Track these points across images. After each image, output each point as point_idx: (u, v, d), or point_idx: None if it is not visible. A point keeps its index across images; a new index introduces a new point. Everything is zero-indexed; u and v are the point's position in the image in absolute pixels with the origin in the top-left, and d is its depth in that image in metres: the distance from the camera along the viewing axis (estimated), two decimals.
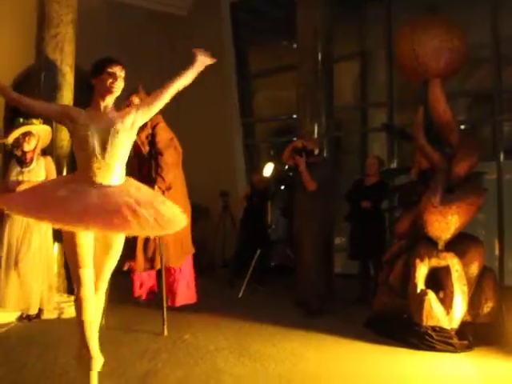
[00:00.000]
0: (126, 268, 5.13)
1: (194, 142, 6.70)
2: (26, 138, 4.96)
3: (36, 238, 4.85)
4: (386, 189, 6.28)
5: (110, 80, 3.04)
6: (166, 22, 9.29)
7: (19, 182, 4.92)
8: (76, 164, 3.15)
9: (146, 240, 4.98)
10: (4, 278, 4.83)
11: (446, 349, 4.18)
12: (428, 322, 4.33)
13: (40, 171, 5.03)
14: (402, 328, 4.46)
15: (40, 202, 2.85)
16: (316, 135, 6.40)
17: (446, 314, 4.33)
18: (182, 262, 5.24)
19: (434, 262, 4.50)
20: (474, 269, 4.53)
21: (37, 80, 6.00)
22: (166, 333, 4.50)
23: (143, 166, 4.99)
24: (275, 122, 10.17)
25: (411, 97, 7.48)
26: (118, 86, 3.08)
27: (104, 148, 2.99)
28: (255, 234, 7.24)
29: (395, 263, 4.89)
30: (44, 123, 5.10)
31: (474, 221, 4.87)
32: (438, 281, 4.51)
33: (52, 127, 5.34)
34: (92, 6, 7.54)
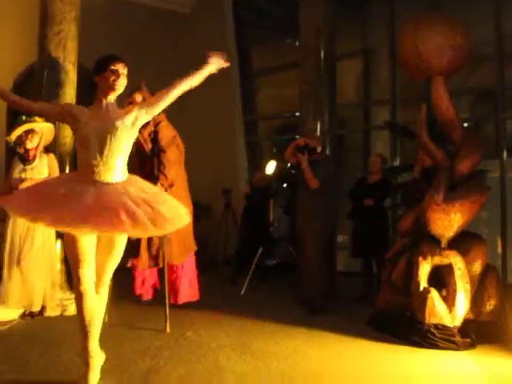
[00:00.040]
0: (129, 265, 5.14)
1: (196, 140, 6.69)
2: (29, 136, 4.97)
3: (39, 236, 4.86)
4: (389, 187, 6.27)
5: (113, 77, 3.05)
6: (168, 19, 9.28)
7: (22, 180, 4.93)
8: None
9: (150, 237, 4.98)
10: (7, 276, 4.84)
11: (448, 347, 4.17)
12: (431, 319, 4.32)
13: (43, 169, 5.04)
14: (404, 326, 4.45)
15: (41, 201, 2.86)
16: (319, 133, 6.39)
17: (449, 311, 4.33)
18: (184, 260, 5.25)
19: (437, 259, 4.50)
20: (477, 267, 4.52)
21: (39, 77, 6.00)
22: (168, 330, 4.50)
23: (145, 163, 5.00)
24: (278, 120, 10.16)
25: (414, 94, 7.47)
26: (121, 84, 3.08)
27: (104, 146, 2.99)
28: (256, 232, 7.24)
29: (398, 261, 4.89)
30: (46, 121, 5.11)
31: (476, 219, 4.86)
32: (441, 279, 4.50)
33: (55, 125, 5.35)
34: (95, 3, 7.55)
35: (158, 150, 4.92)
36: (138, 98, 4.86)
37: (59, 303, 5.09)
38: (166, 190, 4.86)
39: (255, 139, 9.87)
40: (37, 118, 5.00)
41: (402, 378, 3.54)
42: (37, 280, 4.85)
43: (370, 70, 8.81)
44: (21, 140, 4.99)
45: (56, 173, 5.09)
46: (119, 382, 3.20)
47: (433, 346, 4.20)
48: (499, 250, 6.94)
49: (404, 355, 4.04)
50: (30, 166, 5.00)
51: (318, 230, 5.53)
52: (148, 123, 4.67)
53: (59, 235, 5.02)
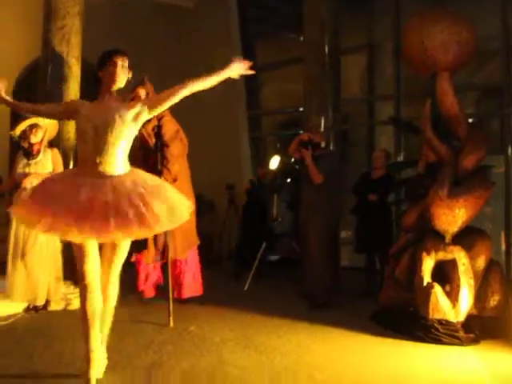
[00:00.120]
0: (133, 260, 5.14)
1: (200, 135, 6.69)
2: (33, 130, 4.98)
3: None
4: (393, 182, 6.26)
5: (112, 70, 3.06)
6: (172, 14, 9.26)
7: (26, 174, 4.94)
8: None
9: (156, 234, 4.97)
10: (11, 270, 4.86)
11: (452, 342, 4.17)
12: (434, 315, 4.32)
13: (47, 163, 5.05)
14: (407, 321, 4.45)
15: (44, 206, 2.89)
16: (323, 128, 6.37)
17: (453, 307, 4.32)
18: (187, 254, 5.25)
19: (441, 255, 4.49)
20: (481, 262, 4.51)
21: (43, 72, 6.01)
22: (171, 324, 4.51)
23: (149, 157, 5.00)
24: (282, 115, 10.15)
25: (419, 90, 7.44)
26: (120, 76, 3.08)
27: (104, 139, 2.99)
28: (256, 228, 7.27)
29: (402, 256, 4.88)
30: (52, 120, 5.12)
31: (481, 214, 4.85)
32: (445, 274, 4.49)
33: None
34: None
35: (161, 145, 4.92)
36: (142, 92, 4.85)
37: (63, 297, 5.11)
38: None
39: (259, 134, 9.87)
40: None
41: (405, 372, 3.54)
42: (41, 274, 4.87)
43: (375, 64, 8.78)
44: (25, 134, 4.99)
45: (60, 167, 5.11)
46: (122, 376, 3.20)
47: (436, 341, 4.19)
48: (503, 245, 6.92)
49: (407, 350, 4.04)
50: (34, 161, 5.01)
51: (321, 226, 5.52)
52: (151, 118, 4.67)
53: None
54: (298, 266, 6.35)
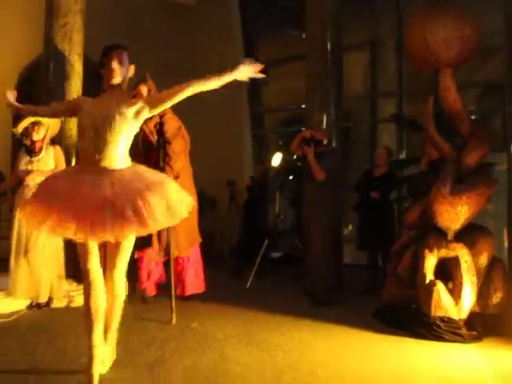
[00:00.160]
0: (135, 257, 5.14)
1: (202, 132, 6.69)
2: (35, 128, 4.98)
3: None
4: (395, 179, 6.25)
5: (111, 65, 3.08)
6: (174, 11, 9.25)
7: (28, 172, 4.96)
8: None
9: (159, 230, 4.96)
10: (14, 267, 4.88)
11: (454, 339, 4.16)
12: (436, 312, 4.31)
13: (49, 160, 5.06)
14: (410, 318, 4.44)
15: (47, 207, 2.89)
16: (325, 125, 6.36)
17: (455, 304, 4.32)
18: (189, 252, 5.25)
19: (443, 252, 4.48)
20: (484, 259, 4.51)
21: (45, 70, 6.01)
22: (174, 321, 4.51)
23: (151, 155, 4.99)
24: (284, 112, 10.14)
25: (421, 87, 7.43)
26: (119, 70, 3.07)
27: (104, 134, 2.99)
28: (257, 225, 7.28)
29: (404, 254, 4.88)
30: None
31: (483, 211, 4.84)
32: (447, 271, 4.49)
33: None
34: None
35: (163, 142, 4.92)
36: (143, 89, 4.85)
37: (66, 294, 5.12)
38: None
39: (261, 132, 9.86)
40: None
41: (407, 369, 3.53)
42: (43, 271, 4.88)
43: (377, 61, 8.77)
44: (27, 132, 5.00)
45: (62, 164, 5.11)
46: (125, 373, 3.21)
47: (438, 338, 4.19)
48: (506, 242, 6.91)
49: (409, 347, 4.04)
50: (36, 158, 5.02)
51: (324, 223, 5.52)
52: (153, 115, 4.67)
53: None
54: (300, 263, 6.36)
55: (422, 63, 5.00)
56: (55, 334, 4.11)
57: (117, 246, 3.08)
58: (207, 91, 3.09)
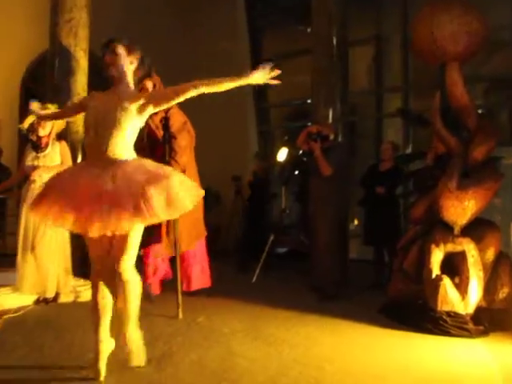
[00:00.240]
0: (141, 253, 5.14)
1: (207, 128, 6.68)
2: (41, 123, 4.99)
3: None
4: (401, 174, 6.23)
5: (108, 59, 3.10)
6: (179, 6, 9.24)
7: (35, 167, 4.97)
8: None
9: (167, 225, 4.97)
10: (21, 262, 4.90)
11: (461, 334, 4.16)
12: (443, 307, 4.30)
13: (55, 156, 5.07)
14: (416, 314, 4.44)
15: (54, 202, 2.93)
16: (330, 120, 6.35)
17: (462, 299, 4.31)
18: (194, 246, 5.24)
19: (450, 247, 4.47)
20: (490, 254, 4.49)
21: (51, 65, 6.02)
22: (180, 316, 4.52)
23: (157, 149, 4.99)
24: (289, 107, 10.12)
25: (427, 81, 7.39)
26: (116, 64, 3.07)
27: (107, 130, 2.99)
28: (259, 220, 7.29)
29: (410, 249, 4.87)
30: (59, 108, 5.13)
31: (490, 206, 4.82)
32: (454, 266, 4.48)
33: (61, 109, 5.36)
34: None
35: (169, 137, 4.92)
36: (149, 84, 4.85)
37: (73, 289, 5.13)
38: None
39: (267, 127, 9.84)
40: (49, 106, 5.01)
41: (413, 364, 3.53)
42: (50, 266, 4.90)
43: (383, 56, 8.73)
44: (33, 127, 5.01)
45: (68, 160, 5.13)
46: (132, 368, 3.21)
47: (445, 333, 4.19)
48: None
49: (416, 342, 4.03)
50: (42, 154, 5.03)
51: (330, 218, 5.51)
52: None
53: None
54: (306, 258, 6.36)
55: (428, 57, 4.98)
56: (62, 329, 4.12)
57: (123, 237, 3.05)
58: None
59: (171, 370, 3.29)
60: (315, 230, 5.68)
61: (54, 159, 5.05)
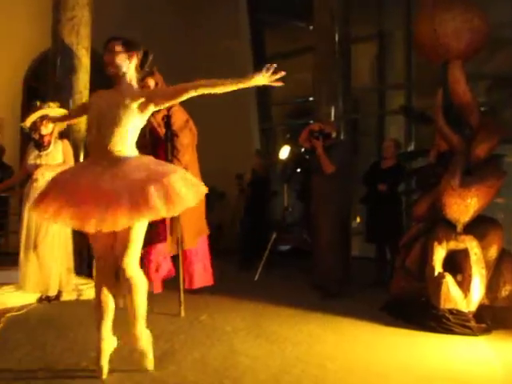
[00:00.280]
0: (142, 252, 5.13)
1: (210, 126, 6.68)
2: (44, 122, 4.99)
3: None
4: (403, 172, 6.22)
5: (106, 57, 3.10)
6: (182, 5, 9.23)
7: (37, 166, 4.98)
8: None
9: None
10: (24, 261, 4.90)
11: (463, 332, 4.15)
12: (445, 305, 4.30)
13: (57, 154, 5.08)
14: (419, 311, 4.43)
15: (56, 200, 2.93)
16: (333, 117, 6.34)
17: (464, 297, 4.30)
18: (196, 243, 5.23)
19: (453, 244, 4.46)
20: (493, 252, 4.48)
21: (53, 63, 6.02)
22: (182, 314, 4.53)
23: (159, 147, 4.99)
24: (292, 105, 10.10)
25: (429, 79, 7.38)
26: (114, 62, 3.07)
27: (108, 128, 2.99)
28: (262, 219, 7.30)
29: (413, 246, 4.86)
30: (61, 107, 5.14)
31: (492, 204, 4.81)
32: (456, 264, 4.47)
33: (68, 111, 5.37)
34: None
35: (171, 135, 4.92)
36: (151, 82, 4.85)
37: (75, 288, 5.14)
38: None
39: (269, 124, 9.84)
40: (51, 104, 5.02)
41: (416, 362, 3.53)
42: (53, 265, 4.91)
43: (385, 53, 8.72)
44: (36, 126, 5.01)
45: (70, 159, 5.13)
46: (134, 365, 3.22)
47: (448, 331, 4.18)
48: None
49: (418, 340, 4.03)
50: (44, 152, 5.04)
51: (332, 215, 5.51)
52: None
53: None
54: (308, 256, 6.36)
55: (431, 54, 4.96)
56: (65, 327, 4.13)
57: (126, 234, 3.04)
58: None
59: (173, 368, 3.29)
60: (317, 227, 5.68)
61: (56, 158, 5.06)
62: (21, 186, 5.46)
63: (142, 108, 3.04)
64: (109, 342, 3.12)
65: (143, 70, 3.19)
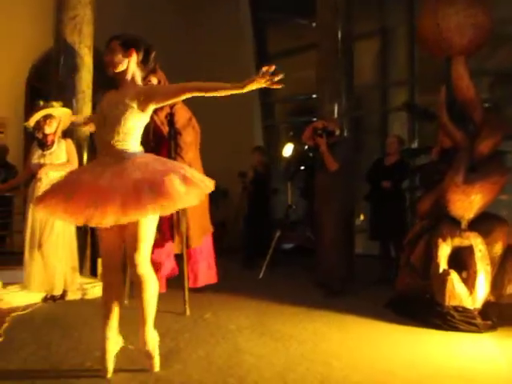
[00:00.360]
0: None
1: (213, 124, 6.67)
2: (47, 121, 5.00)
3: (59, 220, 4.90)
4: (407, 168, 6.21)
5: (105, 56, 3.11)
6: (183, 3, 9.22)
7: (41, 165, 4.98)
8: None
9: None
10: (28, 260, 4.91)
11: (468, 329, 4.14)
12: (450, 302, 4.29)
13: (61, 154, 5.08)
14: (424, 308, 4.43)
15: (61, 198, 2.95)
16: (336, 115, 6.32)
17: (469, 294, 4.29)
18: (200, 242, 5.23)
19: (457, 241, 4.45)
20: (498, 248, 4.47)
21: (56, 62, 6.02)
22: (187, 312, 4.53)
23: (162, 145, 4.99)
24: (295, 102, 10.09)
25: (432, 75, 7.35)
26: (113, 60, 3.07)
27: (111, 127, 3.01)
28: (265, 217, 7.31)
29: (417, 243, 4.85)
30: (64, 106, 5.14)
31: (496, 201, 4.79)
32: (461, 261, 4.46)
33: (72, 110, 5.38)
34: None
35: (174, 133, 4.92)
36: (153, 80, 4.84)
37: (80, 287, 5.15)
38: None
39: (272, 122, 9.82)
40: (54, 103, 5.03)
41: (421, 360, 3.52)
42: (57, 264, 4.91)
43: (388, 50, 8.69)
44: (39, 125, 5.02)
45: (74, 158, 5.14)
46: (139, 364, 3.22)
47: (453, 328, 4.17)
48: None
49: (423, 337, 4.02)
50: (48, 152, 5.04)
51: (336, 213, 5.50)
52: (164, 105, 4.66)
53: None
54: (312, 254, 6.35)
55: (434, 49, 4.94)
56: (69, 326, 4.14)
57: (135, 231, 3.02)
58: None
59: (178, 367, 3.29)
60: (321, 225, 5.67)
61: (60, 157, 5.06)
62: (25, 186, 5.47)
63: (143, 106, 3.04)
64: (114, 342, 3.13)
65: (147, 67, 3.17)
